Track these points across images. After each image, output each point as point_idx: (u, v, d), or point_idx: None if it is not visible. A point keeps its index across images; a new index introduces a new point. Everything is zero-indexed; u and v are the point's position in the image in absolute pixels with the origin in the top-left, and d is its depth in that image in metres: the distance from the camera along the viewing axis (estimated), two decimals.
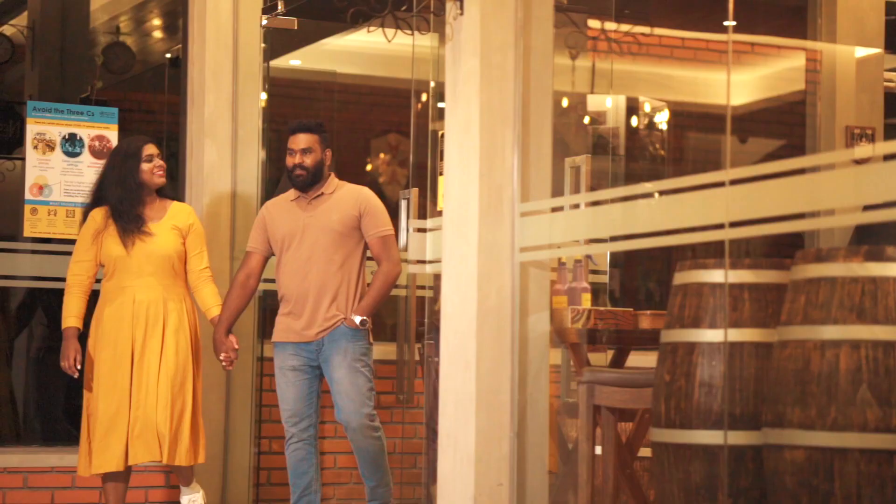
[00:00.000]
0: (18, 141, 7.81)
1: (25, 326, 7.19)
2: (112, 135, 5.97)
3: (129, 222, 5.23)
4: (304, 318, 5.20)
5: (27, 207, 6.05)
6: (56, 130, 6.06)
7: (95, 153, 5.96)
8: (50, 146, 6.06)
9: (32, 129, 6.03)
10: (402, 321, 6.17)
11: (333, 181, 5.32)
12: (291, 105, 7.87)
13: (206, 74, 6.27)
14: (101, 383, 5.16)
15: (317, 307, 5.19)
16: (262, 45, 6.34)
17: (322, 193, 5.27)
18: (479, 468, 4.67)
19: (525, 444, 4.75)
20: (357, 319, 5.16)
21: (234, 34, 6.28)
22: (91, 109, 6.08)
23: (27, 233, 6.07)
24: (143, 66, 8.66)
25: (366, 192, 5.33)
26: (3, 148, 7.91)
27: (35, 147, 6.04)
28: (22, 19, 8.35)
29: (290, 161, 5.26)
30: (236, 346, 5.30)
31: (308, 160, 5.24)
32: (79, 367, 5.19)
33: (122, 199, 5.24)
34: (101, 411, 5.14)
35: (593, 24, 5.38)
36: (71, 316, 5.24)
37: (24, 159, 6.14)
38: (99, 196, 5.34)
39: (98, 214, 5.29)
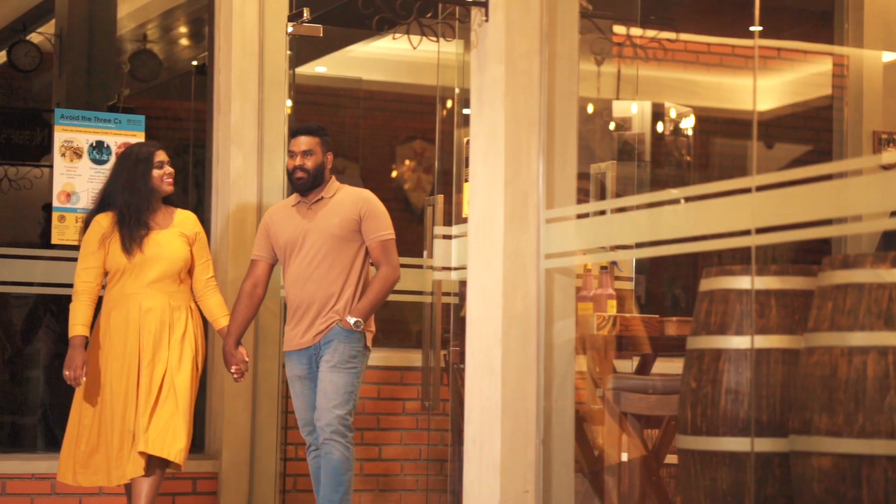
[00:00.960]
0: (46, 148, 7.87)
1: (52, 333, 7.22)
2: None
3: (134, 228, 5.12)
4: (304, 325, 5.12)
5: (55, 215, 6.08)
6: (83, 138, 6.09)
7: None
8: (77, 153, 6.09)
9: (60, 136, 6.06)
10: (428, 328, 6.16)
11: (333, 185, 5.21)
12: (317, 112, 7.88)
13: (233, 82, 6.29)
14: (115, 394, 5.06)
15: (317, 314, 5.11)
16: (288, 52, 6.35)
17: (322, 198, 5.18)
18: (504, 475, 4.66)
19: (551, 451, 4.74)
20: (351, 321, 5.07)
21: (260, 42, 6.30)
22: (118, 117, 6.09)
23: (55, 240, 6.09)
24: (170, 74, 8.70)
25: (366, 195, 5.23)
26: (31, 155, 7.96)
27: (63, 154, 6.07)
28: (49, 27, 8.41)
29: (291, 163, 5.17)
30: (246, 359, 5.22)
31: (309, 163, 5.16)
32: (84, 378, 5.04)
33: (128, 203, 5.13)
34: (117, 421, 5.05)
35: (618, 30, 5.37)
36: (79, 324, 5.10)
37: (51, 167, 6.17)
38: (106, 201, 5.22)
39: (104, 219, 5.18)
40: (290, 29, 6.12)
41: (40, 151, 7.95)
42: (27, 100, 8.63)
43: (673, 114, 6.80)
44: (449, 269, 5.73)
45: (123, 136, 6.06)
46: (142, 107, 8.09)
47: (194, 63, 8.17)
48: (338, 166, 8.10)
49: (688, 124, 6.83)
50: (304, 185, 5.18)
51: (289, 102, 6.40)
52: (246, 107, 6.30)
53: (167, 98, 8.71)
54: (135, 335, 5.10)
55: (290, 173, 5.20)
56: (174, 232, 5.21)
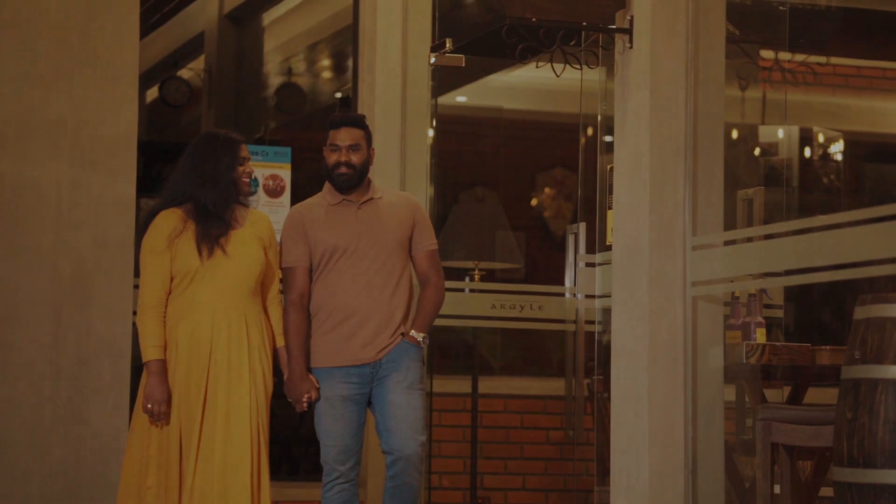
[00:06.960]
0: None
1: None
2: (286, 174, 6.09)
3: (214, 225, 4.42)
4: (361, 339, 4.59)
5: None
6: None
7: (269, 192, 6.09)
8: None
9: None
10: (571, 356, 6.13)
11: (375, 184, 4.72)
12: (457, 141, 7.94)
13: (376, 113, 6.36)
14: (191, 417, 4.34)
15: (378, 328, 4.59)
16: (430, 82, 6.41)
17: (372, 198, 4.66)
18: None
19: (699, 483, 4.67)
20: (419, 336, 4.62)
21: (403, 72, 6.36)
22: (265, 149, 6.19)
23: None
24: (314, 106, 8.85)
25: (414, 199, 4.79)
26: None
27: None
28: (199, 63, 8.64)
29: (335, 158, 4.58)
30: (318, 385, 4.56)
31: (355, 158, 4.59)
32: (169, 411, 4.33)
33: (216, 201, 4.43)
34: (191, 452, 4.31)
35: (766, 54, 5.30)
36: (153, 346, 4.35)
37: None
38: (178, 193, 4.48)
39: (171, 215, 4.43)
40: (432, 59, 6.17)
41: None
42: (177, 134, 8.86)
43: (821, 138, 6.67)
44: (593, 296, 5.70)
45: (271, 167, 6.18)
46: (287, 139, 8.24)
47: (338, 95, 8.30)
48: (478, 194, 8.13)
49: (837, 149, 6.70)
50: (349, 182, 4.60)
51: (430, 132, 6.46)
52: (389, 137, 6.37)
53: (312, 130, 8.86)
54: (205, 354, 4.36)
55: (332, 169, 4.59)
56: (250, 233, 4.50)
